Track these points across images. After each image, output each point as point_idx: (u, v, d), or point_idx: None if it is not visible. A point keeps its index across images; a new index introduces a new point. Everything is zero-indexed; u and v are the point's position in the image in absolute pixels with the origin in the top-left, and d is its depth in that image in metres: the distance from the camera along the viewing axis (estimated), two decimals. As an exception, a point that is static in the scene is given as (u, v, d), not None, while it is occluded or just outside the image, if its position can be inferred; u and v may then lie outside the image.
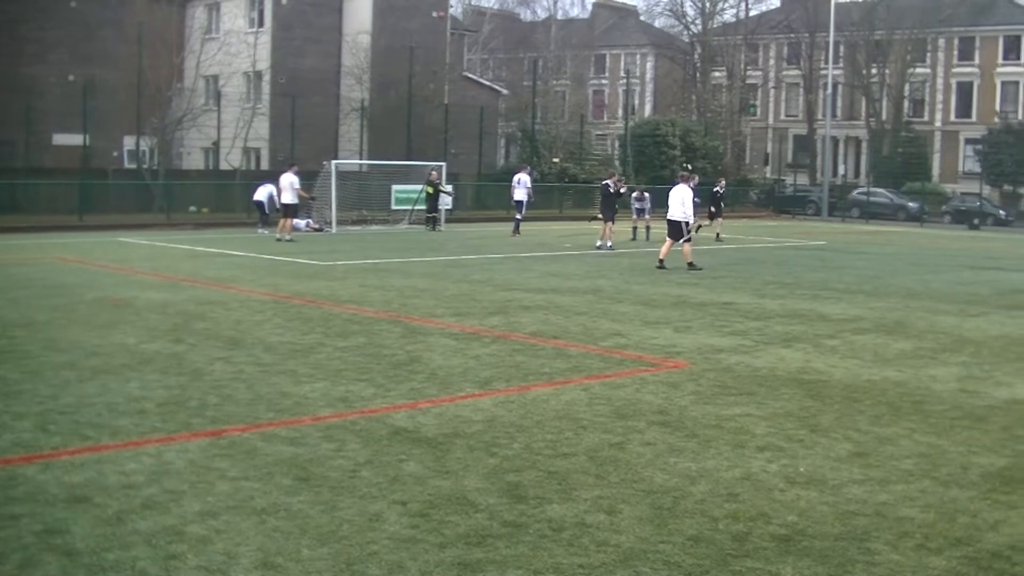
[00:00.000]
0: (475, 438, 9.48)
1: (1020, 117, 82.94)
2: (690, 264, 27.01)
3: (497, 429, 9.81)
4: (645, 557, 6.71)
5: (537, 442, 9.40)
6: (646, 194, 39.98)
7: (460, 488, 8.02)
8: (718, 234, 40.14)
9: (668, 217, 28.18)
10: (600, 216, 35.09)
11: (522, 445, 9.29)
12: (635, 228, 39.08)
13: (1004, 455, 9.50)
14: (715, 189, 42.05)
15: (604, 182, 35.64)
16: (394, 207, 45.97)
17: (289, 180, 34.95)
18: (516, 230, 39.84)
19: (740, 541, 7.06)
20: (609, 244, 33.74)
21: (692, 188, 28.76)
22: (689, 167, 61.20)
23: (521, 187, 41.72)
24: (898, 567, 6.70)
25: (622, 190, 35.66)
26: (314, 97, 57.39)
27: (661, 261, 27.21)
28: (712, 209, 41.23)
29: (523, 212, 41.31)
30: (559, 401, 11.09)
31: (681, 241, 27.72)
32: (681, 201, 27.97)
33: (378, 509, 7.47)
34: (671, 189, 29.09)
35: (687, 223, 27.89)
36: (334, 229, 39.69)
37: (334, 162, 42.95)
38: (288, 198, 34.89)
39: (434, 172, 43.64)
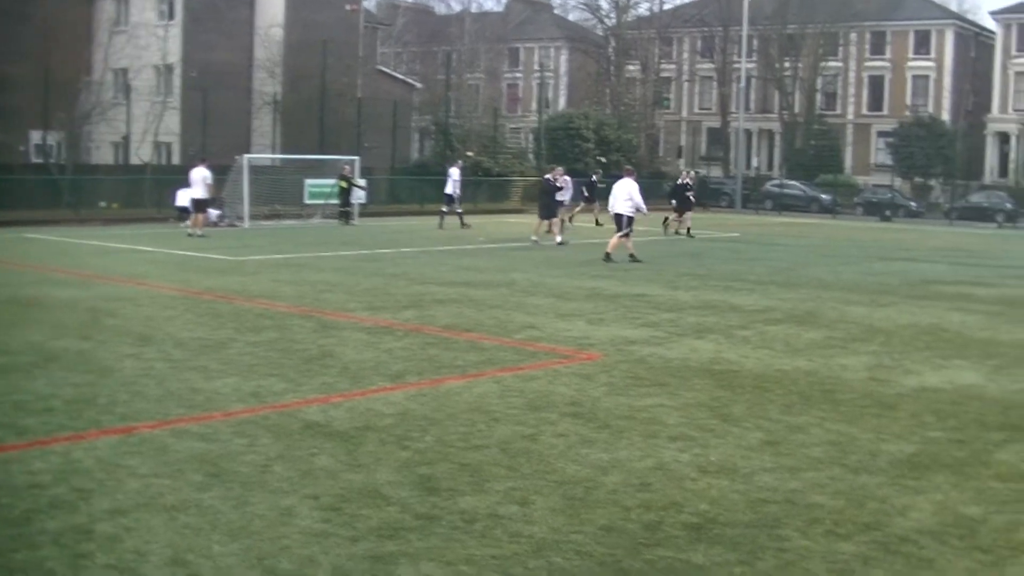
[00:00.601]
0: (387, 431, 9.47)
1: (931, 110, 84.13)
2: (608, 255, 27.13)
3: (409, 422, 9.81)
4: (557, 547, 6.75)
5: (449, 435, 9.42)
6: (567, 177, 39.47)
7: (372, 481, 8.01)
8: (688, 229, 39.99)
9: (615, 211, 28.27)
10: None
11: (434, 438, 9.30)
12: (561, 220, 38.61)
13: (912, 442, 9.66)
14: (682, 182, 41.81)
15: (545, 177, 35.39)
16: (307, 201, 45.73)
17: (201, 175, 34.61)
18: (450, 222, 40.44)
19: (652, 530, 7.12)
20: (559, 239, 33.40)
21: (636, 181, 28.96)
22: (603, 160, 61.40)
23: (450, 181, 41.84)
24: (808, 552, 6.79)
25: (561, 186, 34.97)
26: (226, 91, 56.81)
27: (632, 255, 27.30)
28: (674, 202, 41.10)
29: (453, 205, 41.42)
30: (472, 394, 11.11)
31: (619, 233, 27.78)
32: (628, 195, 28.06)
33: (290, 503, 7.45)
34: (616, 183, 29.17)
35: (630, 217, 27.97)
36: (247, 224, 39.38)
37: (246, 156, 42.56)
38: (199, 193, 34.54)
39: (347, 166, 43.45)
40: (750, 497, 7.88)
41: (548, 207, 34.16)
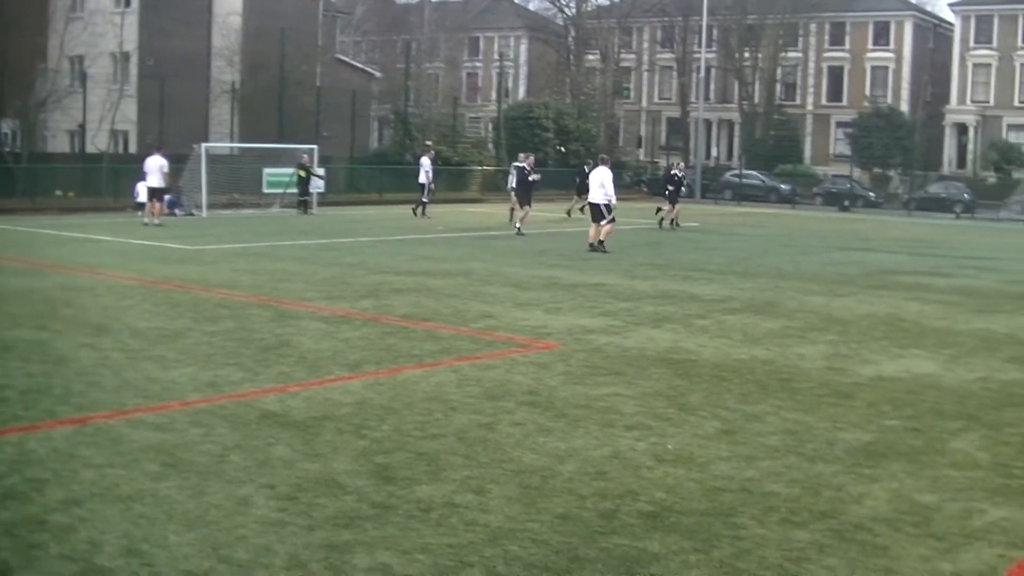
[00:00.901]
0: (344, 421, 9.46)
1: (890, 101, 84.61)
2: (592, 245, 27.15)
3: (367, 411, 9.79)
4: (513, 536, 6.76)
5: (406, 424, 9.41)
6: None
7: (329, 471, 8.00)
8: (673, 220, 39.41)
9: (589, 200, 28.27)
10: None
11: (391, 427, 9.29)
12: (513, 210, 38.21)
13: (869, 430, 9.72)
14: (673, 172, 40.95)
15: (518, 164, 35.10)
16: (266, 191, 45.55)
17: (158, 163, 34.38)
18: (420, 212, 40.66)
19: (608, 518, 7.13)
20: (518, 227, 33.37)
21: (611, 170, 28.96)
22: (563, 149, 61.38)
23: (422, 171, 41.85)
24: (763, 540, 6.82)
25: (534, 177, 34.58)
26: (183, 79, 56.32)
27: (591, 244, 27.32)
28: (668, 191, 40.01)
29: (426, 195, 41.41)
30: (429, 383, 11.10)
31: (603, 223, 27.77)
32: (601, 183, 28.08)
33: (246, 493, 7.42)
34: (591, 172, 29.15)
35: (607, 205, 27.97)
36: (204, 213, 39.19)
37: (204, 145, 42.37)
38: (156, 181, 34.31)
39: (305, 155, 43.34)
40: (706, 485, 7.91)
41: (526, 194, 33.99)
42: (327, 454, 8.44)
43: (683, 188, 41.21)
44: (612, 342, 13.96)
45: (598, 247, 27.07)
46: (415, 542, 6.61)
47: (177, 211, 38.74)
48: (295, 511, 7.08)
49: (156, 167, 34.32)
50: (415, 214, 40.40)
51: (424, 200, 41.45)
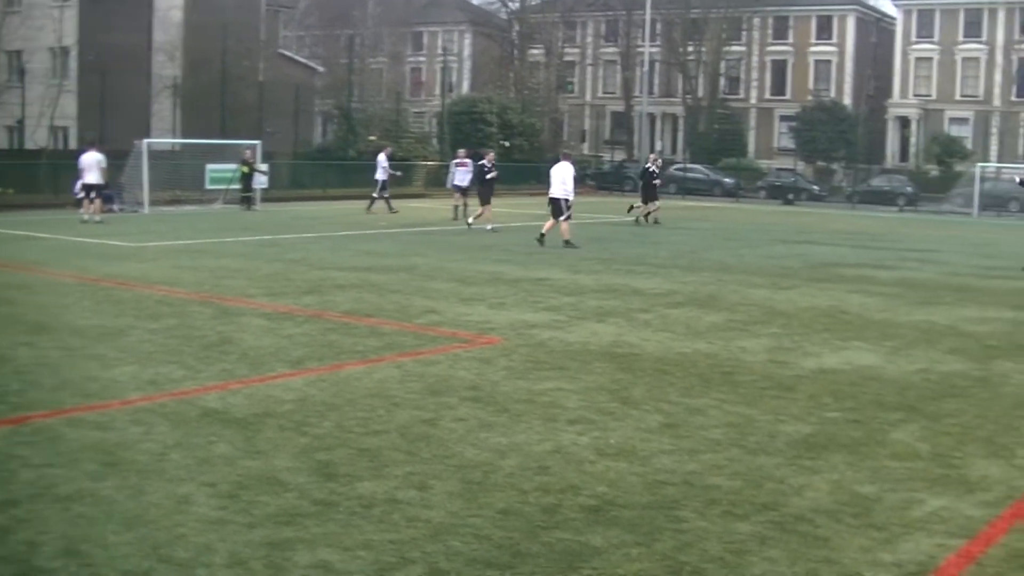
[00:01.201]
0: (286, 418, 9.41)
1: (833, 95, 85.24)
2: (567, 242, 27.09)
3: (308, 408, 9.75)
4: (455, 531, 6.74)
5: (349, 420, 9.37)
6: (469, 161, 39.12)
7: (270, 468, 7.95)
8: (649, 215, 38.99)
9: (550, 195, 28.20)
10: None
11: (333, 423, 9.25)
12: (457, 207, 38.11)
13: (810, 423, 9.77)
14: (649, 168, 40.36)
15: (481, 162, 34.70)
16: (208, 187, 45.22)
17: (95, 159, 33.98)
18: (377, 207, 40.65)
19: (550, 513, 7.13)
20: (470, 222, 33.16)
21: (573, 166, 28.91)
22: (507, 144, 61.31)
23: (379, 167, 41.71)
24: (705, 533, 6.85)
25: (492, 175, 34.21)
26: (125, 74, 55.89)
27: (542, 235, 27.30)
28: (651, 185, 39.56)
29: (380, 191, 41.30)
30: (372, 379, 11.06)
31: (561, 219, 27.73)
32: (563, 179, 28.02)
33: (186, 491, 7.37)
34: (553, 167, 29.06)
35: (567, 200, 27.94)
36: (147, 210, 38.89)
37: (146, 141, 41.99)
38: (93, 178, 33.92)
39: (248, 151, 43.12)
40: (648, 479, 7.92)
41: (486, 192, 33.69)
42: (268, 451, 8.40)
43: (655, 183, 40.07)
44: (555, 337, 13.97)
45: (567, 245, 26.98)
46: (356, 539, 6.58)
47: (117, 207, 38.36)
48: (236, 509, 7.04)
49: (93, 163, 33.93)
50: (369, 209, 40.04)
51: (375, 196, 41.22)
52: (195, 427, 9.06)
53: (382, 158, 42.44)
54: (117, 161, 38.08)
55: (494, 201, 34.20)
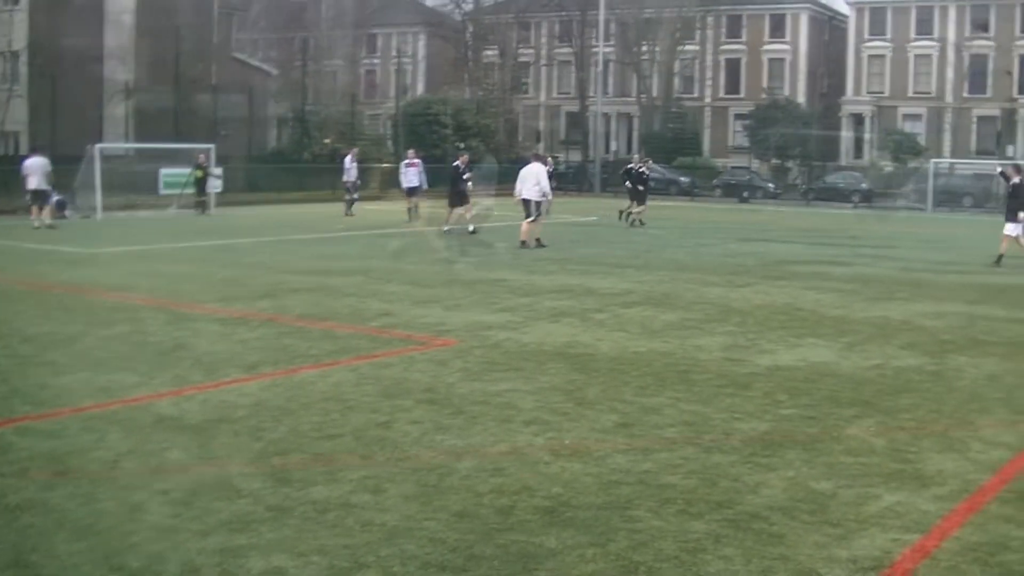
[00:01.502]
0: (241, 423, 9.35)
1: (787, 93, 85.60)
2: (523, 243, 27.00)
3: (263, 413, 9.69)
4: (410, 535, 6.71)
5: (303, 425, 9.32)
6: (419, 161, 38.90)
7: (224, 474, 7.90)
8: (631, 216, 38.71)
9: (524, 196, 28.04)
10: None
11: (288, 428, 9.20)
12: (411, 208, 37.93)
13: (765, 420, 9.79)
14: (640, 169, 39.97)
15: (454, 164, 33.95)
16: (162, 192, 44.96)
17: (40, 164, 33.62)
18: (348, 211, 40.26)
19: (505, 515, 7.11)
20: (471, 228, 32.27)
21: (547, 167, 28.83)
22: (461, 146, 61.20)
23: (345, 170, 41.58)
24: (660, 532, 6.84)
25: (467, 176, 33.74)
26: (76, 79, 55.49)
27: (538, 240, 27.22)
28: (639, 189, 39.28)
29: (350, 194, 41.18)
30: (326, 383, 11.01)
31: (528, 220, 27.62)
32: (536, 181, 27.93)
33: (139, 499, 7.31)
34: (524, 168, 28.94)
35: (538, 202, 27.87)
36: (100, 215, 38.61)
37: (98, 146, 41.68)
38: (37, 183, 33.48)
39: (203, 155, 42.86)
40: (603, 479, 7.91)
41: (458, 195, 33.17)
42: (223, 457, 8.35)
43: (640, 186, 39.58)
44: (510, 338, 13.94)
45: (536, 245, 26.91)
46: (310, 544, 6.54)
47: (70, 213, 38.03)
48: (189, 516, 6.98)
49: (38, 168, 33.58)
50: (349, 214, 39.82)
51: (347, 198, 41.05)
52: (148, 434, 8.98)
53: (348, 160, 42.23)
54: (69, 166, 37.78)
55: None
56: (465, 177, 33.17)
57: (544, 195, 28.10)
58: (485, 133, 72.55)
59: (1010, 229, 25.35)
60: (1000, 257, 25.37)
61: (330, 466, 8.14)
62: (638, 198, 39.35)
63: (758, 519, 7.12)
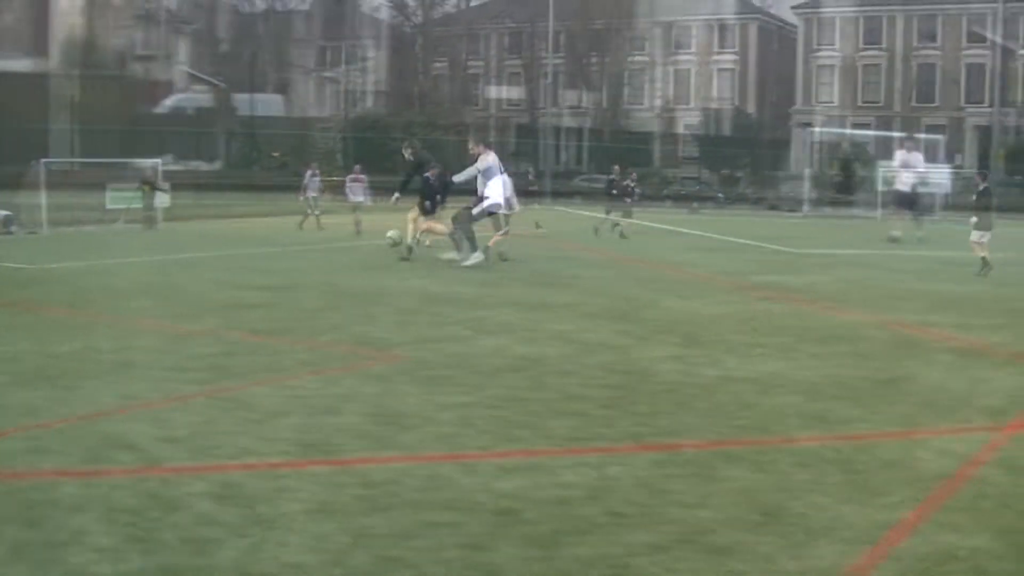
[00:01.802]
0: (187, 443, 9.23)
1: (736, 103, 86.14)
2: (485, 248, 26.57)
3: (208, 432, 9.58)
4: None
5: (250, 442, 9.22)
6: (363, 177, 38.73)
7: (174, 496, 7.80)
8: (616, 225, 38.19)
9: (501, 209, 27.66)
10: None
11: (239, 448, 9.09)
12: (358, 223, 37.58)
13: (714, 431, 9.79)
14: (625, 181, 39.77)
15: (426, 175, 32.86)
16: (109, 206, 44.60)
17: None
18: (308, 223, 39.90)
19: (453, 529, 7.04)
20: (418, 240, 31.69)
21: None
22: (411, 158, 60.94)
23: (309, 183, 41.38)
24: (607, 546, 6.80)
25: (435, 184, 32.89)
26: (21, 94, 55.14)
27: (501, 255, 26.88)
28: (628, 200, 39.16)
29: (312, 206, 40.86)
30: (275, 399, 10.88)
31: (500, 232, 27.25)
32: (501, 192, 27.58)
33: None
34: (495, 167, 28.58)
35: (507, 214, 27.49)
36: (45, 230, 38.24)
37: (43, 161, 41.35)
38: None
39: (150, 170, 42.56)
40: (551, 494, 7.86)
41: (430, 206, 32.22)
42: (171, 479, 8.24)
43: (627, 196, 39.51)
44: (460, 351, 13.85)
45: (494, 255, 26.59)
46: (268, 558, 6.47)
47: (15, 229, 37.63)
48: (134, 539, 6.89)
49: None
50: (318, 227, 39.46)
51: (318, 212, 40.79)
52: (94, 452, 8.85)
53: (309, 174, 41.96)
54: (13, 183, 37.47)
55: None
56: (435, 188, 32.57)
57: (510, 208, 27.78)
58: (435, 146, 72.52)
59: (976, 236, 25.27)
60: (984, 260, 24.75)
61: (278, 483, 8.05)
62: (620, 207, 39.10)
63: (706, 532, 7.11)
